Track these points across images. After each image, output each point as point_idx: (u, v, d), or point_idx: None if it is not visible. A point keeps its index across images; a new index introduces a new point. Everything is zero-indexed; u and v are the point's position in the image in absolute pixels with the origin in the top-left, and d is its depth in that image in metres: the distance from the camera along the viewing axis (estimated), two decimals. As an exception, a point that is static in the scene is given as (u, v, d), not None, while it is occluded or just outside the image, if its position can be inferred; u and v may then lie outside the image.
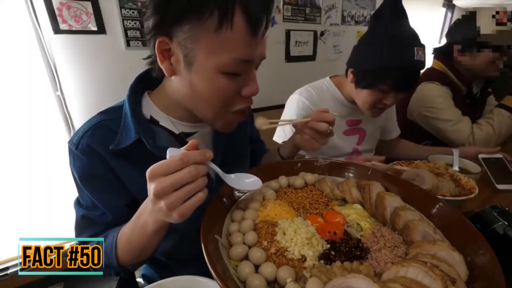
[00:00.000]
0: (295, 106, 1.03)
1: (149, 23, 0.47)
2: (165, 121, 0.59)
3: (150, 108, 0.59)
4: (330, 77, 1.10)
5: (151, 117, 0.59)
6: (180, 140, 0.60)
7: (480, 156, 0.98)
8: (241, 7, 0.43)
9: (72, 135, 0.56)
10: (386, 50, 0.83)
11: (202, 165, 0.40)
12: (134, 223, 0.48)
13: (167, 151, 0.41)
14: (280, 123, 0.84)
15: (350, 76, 0.96)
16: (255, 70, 0.52)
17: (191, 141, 0.42)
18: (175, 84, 0.53)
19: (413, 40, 0.83)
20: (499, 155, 0.99)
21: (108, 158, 0.54)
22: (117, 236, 0.51)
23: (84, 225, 0.58)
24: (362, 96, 0.93)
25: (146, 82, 0.61)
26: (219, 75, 0.47)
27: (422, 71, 0.89)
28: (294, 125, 0.70)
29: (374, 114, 0.97)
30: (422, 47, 0.83)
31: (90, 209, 0.57)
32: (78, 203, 0.59)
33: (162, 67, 0.50)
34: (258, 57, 0.50)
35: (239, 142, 0.73)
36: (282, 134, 1.07)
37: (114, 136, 0.54)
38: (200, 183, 0.39)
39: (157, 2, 0.45)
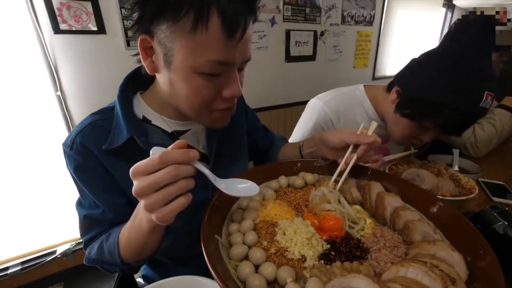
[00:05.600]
0: (316, 115, 0.93)
1: (132, 20, 0.47)
2: (158, 120, 0.59)
3: (142, 108, 0.59)
4: (364, 86, 0.97)
5: (143, 116, 0.59)
6: (173, 138, 0.60)
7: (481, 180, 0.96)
8: (217, 9, 0.41)
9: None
10: (451, 85, 0.69)
11: (186, 166, 0.38)
12: (132, 222, 0.48)
13: (151, 150, 0.39)
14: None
15: (394, 95, 0.81)
16: (236, 72, 0.49)
17: (177, 141, 0.39)
18: (160, 83, 0.54)
19: (488, 82, 0.70)
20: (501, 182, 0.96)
21: (101, 157, 0.54)
22: (118, 234, 0.52)
23: (87, 225, 0.58)
24: (400, 125, 0.81)
25: (136, 82, 0.61)
26: (195, 75, 0.46)
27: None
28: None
29: (402, 144, 0.87)
30: (493, 92, 0.70)
31: (92, 208, 0.57)
32: (79, 204, 0.59)
33: (144, 64, 0.50)
34: (238, 60, 0.48)
35: (233, 137, 0.72)
36: (297, 138, 0.99)
37: (107, 135, 0.54)
38: (181, 186, 0.37)
39: (135, 0, 0.44)
